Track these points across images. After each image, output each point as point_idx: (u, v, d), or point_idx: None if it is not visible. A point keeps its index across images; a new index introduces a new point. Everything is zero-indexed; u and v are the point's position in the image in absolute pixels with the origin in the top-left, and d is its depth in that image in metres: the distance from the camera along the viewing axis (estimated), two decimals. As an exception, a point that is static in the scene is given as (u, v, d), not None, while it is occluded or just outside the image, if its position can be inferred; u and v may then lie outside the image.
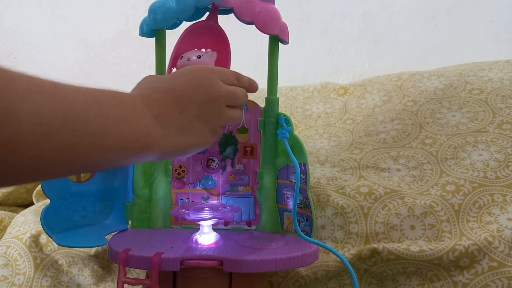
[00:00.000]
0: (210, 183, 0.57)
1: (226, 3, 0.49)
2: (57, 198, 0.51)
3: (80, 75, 1.18)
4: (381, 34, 1.04)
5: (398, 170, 0.64)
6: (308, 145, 0.77)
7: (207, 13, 0.56)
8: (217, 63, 0.54)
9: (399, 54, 1.04)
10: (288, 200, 0.54)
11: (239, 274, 0.47)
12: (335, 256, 0.54)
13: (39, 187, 0.84)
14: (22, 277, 0.57)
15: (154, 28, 0.52)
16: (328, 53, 1.08)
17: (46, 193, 0.50)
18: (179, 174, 0.57)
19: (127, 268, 0.46)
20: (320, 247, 0.50)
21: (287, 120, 0.53)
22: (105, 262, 0.61)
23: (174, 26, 0.54)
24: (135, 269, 0.60)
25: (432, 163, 0.63)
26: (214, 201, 0.57)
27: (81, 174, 0.54)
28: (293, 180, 0.53)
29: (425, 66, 0.91)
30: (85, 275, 0.59)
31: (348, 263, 0.47)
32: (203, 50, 0.55)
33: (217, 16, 0.54)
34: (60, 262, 0.59)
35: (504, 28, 0.98)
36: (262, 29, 0.50)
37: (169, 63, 0.54)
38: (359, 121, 0.78)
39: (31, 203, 0.85)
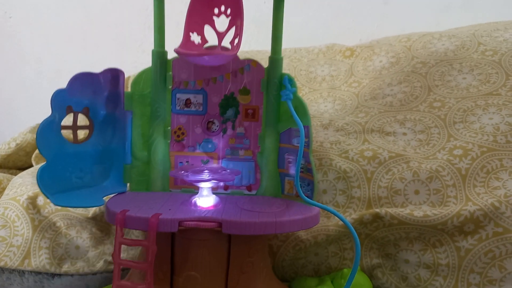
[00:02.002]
0: (210, 146, 0.56)
1: None
2: (53, 157, 0.49)
3: (79, 36, 1.15)
4: (391, -7, 0.99)
5: (404, 134, 0.62)
6: (312, 108, 0.74)
7: None
8: (233, 17, 0.52)
9: (409, 15, 0.99)
10: (289, 164, 0.53)
11: (238, 236, 0.47)
12: (336, 220, 0.53)
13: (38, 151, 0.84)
14: (21, 239, 0.57)
15: None
16: (336, 15, 1.03)
17: (41, 152, 0.49)
18: (178, 136, 0.56)
19: (125, 231, 0.45)
20: (321, 210, 0.49)
21: (291, 81, 0.51)
22: (104, 225, 0.60)
23: None
24: (134, 232, 0.60)
25: (439, 126, 0.61)
26: (214, 164, 0.56)
27: (78, 135, 0.52)
28: (295, 144, 0.51)
29: (436, 28, 0.87)
30: (83, 238, 0.59)
31: (350, 225, 0.46)
32: (216, 10, 0.52)
33: None
34: (58, 224, 0.59)
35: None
36: None
37: (185, 26, 0.51)
38: (365, 84, 0.75)
39: (31, 166, 0.84)
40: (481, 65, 0.67)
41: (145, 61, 0.62)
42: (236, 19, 0.51)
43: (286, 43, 0.86)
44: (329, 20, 1.04)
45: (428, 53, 0.74)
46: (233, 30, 0.52)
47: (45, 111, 0.50)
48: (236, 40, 0.50)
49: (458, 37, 0.74)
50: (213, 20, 0.53)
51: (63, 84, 0.52)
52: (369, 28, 1.02)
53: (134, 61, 1.08)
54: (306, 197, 0.48)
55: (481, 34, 0.73)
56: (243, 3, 0.55)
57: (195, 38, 0.53)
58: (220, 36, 0.53)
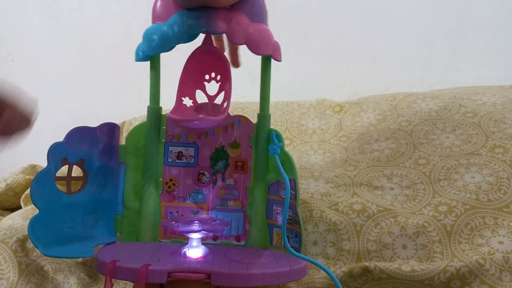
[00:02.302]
0: (200, 197, 0.57)
1: (217, 28, 0.49)
2: (46, 208, 0.50)
3: (78, 80, 1.18)
4: (379, 54, 1.06)
5: (392, 188, 0.64)
6: (303, 160, 0.77)
7: (201, 34, 0.56)
8: (222, 83, 0.55)
9: (395, 74, 1.05)
10: (278, 215, 0.54)
11: None
12: (325, 273, 0.54)
13: (27, 191, 0.83)
14: (6, 283, 0.56)
15: (149, 54, 0.53)
16: (326, 71, 1.09)
17: (35, 203, 0.49)
18: (169, 187, 0.57)
19: (114, 281, 0.45)
20: (308, 263, 0.50)
21: (278, 136, 0.54)
22: (93, 270, 0.59)
23: (168, 49, 0.54)
24: (123, 283, 0.59)
25: (425, 183, 0.63)
26: (203, 215, 0.57)
27: (72, 185, 0.53)
28: (283, 196, 0.53)
29: (421, 88, 0.92)
30: (71, 283, 0.58)
31: (336, 279, 0.46)
32: (207, 76, 0.56)
33: (211, 39, 0.55)
34: (45, 268, 0.57)
35: (499, 54, 1.00)
36: (255, 51, 0.50)
37: (178, 91, 0.54)
38: (353, 138, 0.79)
39: (19, 207, 0.83)
40: (462, 126, 0.71)
41: (142, 107, 0.64)
42: (225, 84, 0.55)
43: (278, 96, 0.90)
44: (319, 75, 1.09)
45: (413, 112, 0.78)
46: (222, 94, 0.55)
47: (38, 150, 0.51)
48: (225, 104, 0.52)
49: (440, 98, 0.79)
50: (204, 85, 0.56)
51: (58, 126, 0.53)
52: (357, 85, 1.07)
53: (131, 106, 1.11)
54: (292, 250, 0.48)
55: (462, 96, 0.78)
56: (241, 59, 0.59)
57: (187, 101, 0.55)
58: (211, 99, 0.56)
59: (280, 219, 0.53)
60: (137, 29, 1.13)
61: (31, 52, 1.18)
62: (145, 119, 0.56)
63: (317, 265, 0.47)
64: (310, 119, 0.87)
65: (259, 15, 0.51)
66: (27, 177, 0.85)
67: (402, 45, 1.04)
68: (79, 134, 0.53)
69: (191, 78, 0.55)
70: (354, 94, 1.06)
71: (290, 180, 0.50)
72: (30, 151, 1.13)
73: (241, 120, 0.57)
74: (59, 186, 0.52)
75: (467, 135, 0.69)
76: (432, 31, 1.03)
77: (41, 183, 0.49)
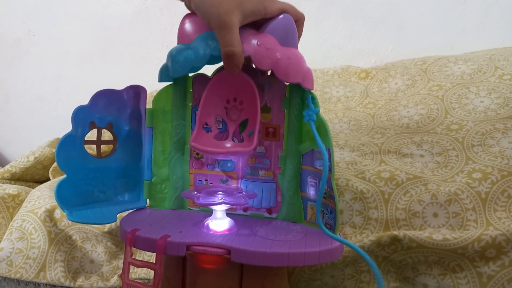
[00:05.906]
0: (229, 165, 0.54)
1: (243, 52, 0.45)
2: (74, 172, 0.50)
3: (98, 54, 1.18)
4: (405, 18, 1.00)
5: (422, 156, 0.61)
6: (327, 129, 0.74)
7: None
8: (246, 109, 0.52)
9: (424, 39, 1.00)
10: (312, 188, 0.50)
11: (251, 265, 0.44)
12: (353, 242, 0.52)
13: (55, 164, 0.85)
14: (37, 251, 0.57)
15: (172, 76, 0.50)
16: (350, 37, 1.04)
17: (61, 167, 0.48)
18: (197, 153, 0.55)
19: (140, 249, 0.44)
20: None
21: (314, 100, 0.48)
22: (119, 239, 0.60)
23: (192, 71, 0.51)
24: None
25: (457, 149, 0.60)
26: (231, 185, 0.54)
27: (102, 150, 0.53)
28: (317, 167, 0.49)
29: (451, 52, 0.87)
30: (98, 252, 0.59)
31: (372, 262, 0.42)
32: (229, 101, 0.52)
33: None
34: (74, 237, 0.59)
35: (538, 12, 0.92)
36: (283, 78, 0.46)
37: (198, 116, 0.50)
38: (380, 105, 0.76)
39: (48, 179, 0.85)
40: (499, 88, 0.67)
41: (162, 80, 0.63)
42: (249, 110, 0.51)
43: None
44: (342, 42, 1.05)
45: (444, 76, 0.74)
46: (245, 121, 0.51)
47: (62, 127, 0.51)
48: (250, 133, 0.48)
49: (474, 61, 0.75)
50: (225, 111, 0.52)
51: (79, 101, 0.53)
52: (383, 51, 1.03)
53: (151, 79, 1.10)
54: (326, 229, 0.44)
55: (498, 58, 0.73)
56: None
57: (207, 128, 0.52)
58: (232, 126, 0.52)
59: (314, 192, 0.49)
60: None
61: (52, 29, 1.19)
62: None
63: (351, 247, 0.43)
64: (334, 87, 0.84)
65: (290, 39, 0.46)
66: (54, 150, 0.87)
67: (430, 6, 0.98)
68: (105, 98, 0.52)
69: (212, 103, 0.51)
70: (380, 61, 1.01)
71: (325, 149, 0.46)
72: (55, 127, 1.16)
73: (272, 81, 0.52)
74: (89, 151, 0.51)
75: (504, 98, 0.65)
76: (463, -11, 0.96)
77: (65, 147, 0.49)
